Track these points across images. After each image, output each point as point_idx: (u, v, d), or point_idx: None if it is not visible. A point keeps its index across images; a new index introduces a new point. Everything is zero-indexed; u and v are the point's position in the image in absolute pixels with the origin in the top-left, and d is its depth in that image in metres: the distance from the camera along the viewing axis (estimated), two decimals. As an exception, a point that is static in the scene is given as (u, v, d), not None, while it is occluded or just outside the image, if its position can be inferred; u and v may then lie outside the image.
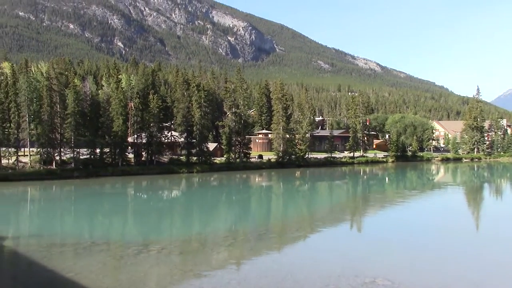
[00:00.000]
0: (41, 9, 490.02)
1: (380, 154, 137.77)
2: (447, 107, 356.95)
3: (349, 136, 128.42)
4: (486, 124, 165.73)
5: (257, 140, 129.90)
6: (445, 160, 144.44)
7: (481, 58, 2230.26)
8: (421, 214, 48.34)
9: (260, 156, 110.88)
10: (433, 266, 26.53)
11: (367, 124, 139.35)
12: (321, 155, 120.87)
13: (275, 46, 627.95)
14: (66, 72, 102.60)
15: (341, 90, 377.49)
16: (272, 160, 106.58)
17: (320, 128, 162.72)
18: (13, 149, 78.25)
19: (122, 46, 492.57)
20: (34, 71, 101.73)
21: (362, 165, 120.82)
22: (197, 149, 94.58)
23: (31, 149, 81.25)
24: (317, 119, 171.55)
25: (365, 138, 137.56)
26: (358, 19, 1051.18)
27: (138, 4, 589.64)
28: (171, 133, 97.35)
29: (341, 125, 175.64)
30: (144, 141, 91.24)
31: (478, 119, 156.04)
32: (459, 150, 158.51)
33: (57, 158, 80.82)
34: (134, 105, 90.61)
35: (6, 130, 77.08)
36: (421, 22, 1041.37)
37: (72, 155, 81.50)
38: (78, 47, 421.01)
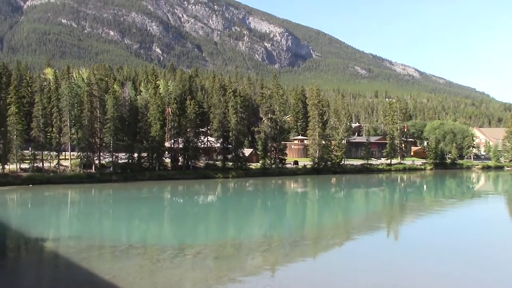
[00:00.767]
0: (82, 16, 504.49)
1: (418, 162, 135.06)
2: (488, 113, 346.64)
3: (386, 143, 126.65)
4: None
5: (292, 146, 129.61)
6: (486, 168, 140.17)
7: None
8: (460, 223, 47.12)
9: (296, 162, 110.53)
10: (471, 277, 25.80)
11: (405, 130, 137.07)
12: (357, 162, 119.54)
13: (312, 52, 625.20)
14: (106, 78, 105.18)
15: (378, 96, 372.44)
16: (308, 166, 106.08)
17: (356, 134, 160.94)
18: (54, 153, 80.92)
19: (160, 52, 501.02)
20: (76, 77, 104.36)
21: (399, 173, 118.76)
22: (233, 154, 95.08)
23: (71, 153, 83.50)
24: (353, 125, 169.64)
25: (403, 145, 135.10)
26: (396, 24, 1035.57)
27: (176, 11, 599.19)
28: (207, 138, 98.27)
29: (378, 132, 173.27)
30: (180, 146, 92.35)
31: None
32: (500, 158, 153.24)
33: (97, 162, 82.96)
34: (171, 111, 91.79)
35: (48, 134, 79.67)
36: (460, 27, 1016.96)
37: (111, 159, 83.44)
38: (118, 53, 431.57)
